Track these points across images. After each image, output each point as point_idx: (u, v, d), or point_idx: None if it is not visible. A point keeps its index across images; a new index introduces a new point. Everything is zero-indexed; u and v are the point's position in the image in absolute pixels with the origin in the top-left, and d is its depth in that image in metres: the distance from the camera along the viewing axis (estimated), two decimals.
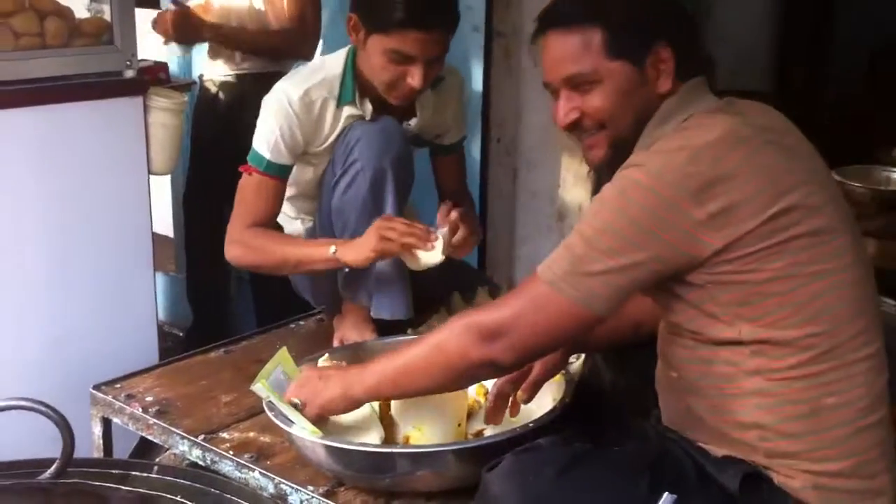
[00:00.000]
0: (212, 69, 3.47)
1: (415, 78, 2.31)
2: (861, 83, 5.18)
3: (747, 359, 1.61)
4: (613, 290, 1.59)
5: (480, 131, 3.25)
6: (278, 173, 2.42)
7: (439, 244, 2.31)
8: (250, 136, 2.45)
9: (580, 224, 1.64)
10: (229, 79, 3.42)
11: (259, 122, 2.43)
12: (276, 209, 2.47)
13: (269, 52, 3.34)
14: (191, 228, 3.71)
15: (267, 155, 2.39)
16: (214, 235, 3.43)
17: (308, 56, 3.29)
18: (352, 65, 2.44)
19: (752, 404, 1.62)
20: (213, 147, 3.43)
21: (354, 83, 2.42)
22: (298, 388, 1.91)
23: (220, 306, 3.73)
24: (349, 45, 2.45)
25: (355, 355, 2.18)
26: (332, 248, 2.34)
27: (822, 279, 1.58)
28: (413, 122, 2.51)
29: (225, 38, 3.36)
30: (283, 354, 2.05)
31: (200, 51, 3.82)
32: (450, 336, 1.70)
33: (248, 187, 2.44)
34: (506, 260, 3.30)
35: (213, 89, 3.47)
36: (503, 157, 3.25)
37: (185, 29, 3.33)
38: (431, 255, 2.32)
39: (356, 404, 1.87)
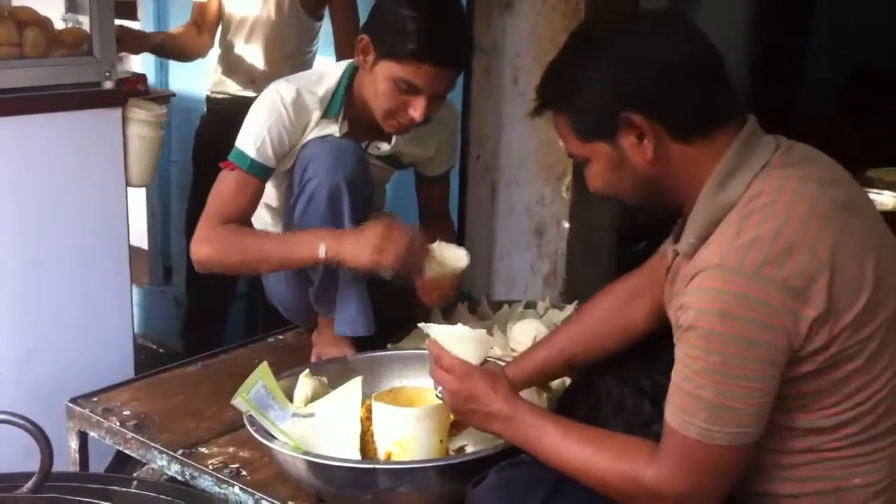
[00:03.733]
0: (219, 87, 3.46)
1: (417, 110, 2.30)
2: (836, 102, 5.23)
3: (790, 440, 1.58)
4: (759, 415, 1.51)
5: (460, 148, 3.26)
6: (260, 174, 2.38)
7: (462, 253, 2.35)
8: None
9: (691, 360, 1.51)
10: (238, 98, 3.39)
11: (247, 120, 2.40)
12: (252, 210, 2.42)
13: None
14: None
15: (251, 154, 2.35)
16: None
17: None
18: (347, 82, 2.42)
19: (777, 475, 1.60)
20: (217, 164, 3.41)
21: (343, 100, 2.41)
22: (462, 380, 1.80)
23: (218, 322, 3.68)
24: (350, 60, 2.44)
25: (336, 371, 2.18)
26: (323, 247, 2.25)
27: (887, 372, 1.55)
28: (384, 146, 2.50)
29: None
30: (263, 369, 2.03)
31: (178, 64, 3.83)
32: (623, 487, 1.59)
33: (227, 184, 2.37)
34: (484, 275, 3.29)
35: (221, 107, 3.44)
36: (482, 174, 3.25)
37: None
38: (458, 259, 2.33)
39: (500, 436, 1.78)
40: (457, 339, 1.87)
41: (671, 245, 1.73)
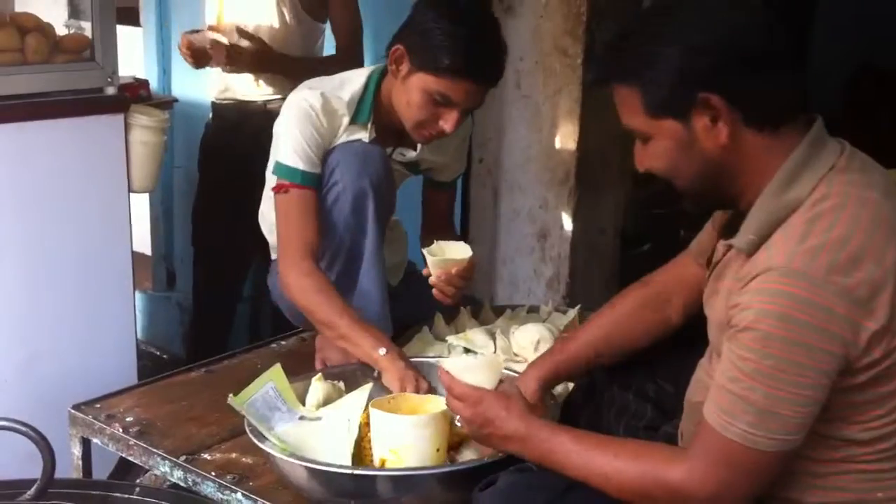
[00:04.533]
0: (225, 93, 3.45)
1: (448, 123, 2.30)
2: (838, 105, 5.22)
3: (826, 450, 1.56)
4: (805, 423, 1.48)
5: None
6: (314, 183, 2.35)
7: (464, 245, 2.35)
8: (260, 160, 2.43)
9: (742, 361, 1.48)
10: (244, 103, 3.38)
11: (280, 134, 2.37)
12: (320, 222, 2.38)
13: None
14: (200, 250, 3.66)
15: (300, 166, 2.33)
16: (224, 256, 3.42)
17: None
18: (375, 88, 2.42)
19: (804, 482, 1.58)
20: (224, 170, 3.41)
21: (372, 106, 2.41)
22: (475, 405, 1.78)
23: (225, 324, 3.68)
24: (374, 66, 2.44)
25: (349, 377, 2.18)
26: (382, 351, 2.18)
27: None
28: (409, 153, 2.50)
29: (285, 69, 3.29)
30: (276, 370, 2.04)
31: (180, 70, 3.83)
32: (650, 490, 1.56)
33: (290, 206, 2.34)
34: (487, 279, 3.29)
35: (227, 113, 3.44)
36: (485, 177, 3.25)
37: (244, 62, 3.28)
38: (462, 251, 2.35)
39: (519, 454, 1.75)
40: (465, 368, 1.88)
41: (722, 240, 1.68)
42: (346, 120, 2.39)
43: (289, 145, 2.35)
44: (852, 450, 1.55)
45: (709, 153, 1.58)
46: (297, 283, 2.32)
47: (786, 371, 1.45)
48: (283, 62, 3.30)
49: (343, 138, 2.40)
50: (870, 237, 1.46)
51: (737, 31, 1.56)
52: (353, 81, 2.43)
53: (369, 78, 2.43)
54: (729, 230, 1.66)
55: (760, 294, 1.47)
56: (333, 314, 2.28)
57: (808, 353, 1.44)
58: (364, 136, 2.40)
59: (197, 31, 3.35)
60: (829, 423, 1.53)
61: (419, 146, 2.48)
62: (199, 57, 3.27)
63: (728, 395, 1.49)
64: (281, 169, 2.35)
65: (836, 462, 1.56)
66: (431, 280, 2.37)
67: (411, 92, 2.30)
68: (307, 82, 2.47)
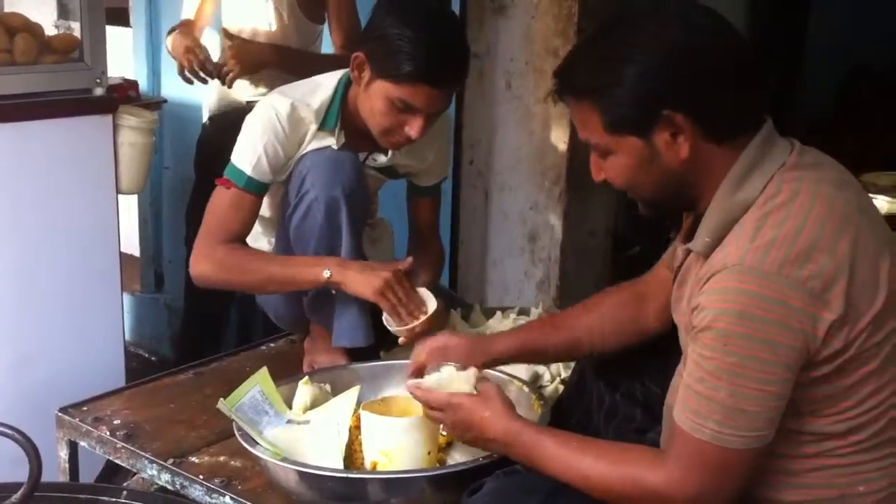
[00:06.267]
0: (222, 94, 3.42)
1: (413, 129, 2.27)
2: (832, 107, 5.23)
3: (799, 446, 1.56)
4: (772, 419, 1.50)
5: (453, 153, 3.25)
6: (257, 190, 2.37)
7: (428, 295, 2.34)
8: None
9: (706, 360, 1.49)
10: (240, 104, 3.34)
11: (242, 136, 2.38)
12: (250, 226, 2.42)
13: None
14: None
15: (248, 171, 2.34)
16: None
17: None
18: (342, 94, 2.40)
19: (782, 481, 1.58)
20: (219, 172, 3.39)
21: (339, 113, 2.39)
22: (455, 412, 1.77)
23: (216, 326, 3.66)
24: (344, 71, 2.41)
25: (341, 378, 2.17)
26: (327, 273, 2.27)
27: None
28: (381, 158, 2.48)
29: (290, 65, 3.21)
30: (262, 374, 2.03)
31: (170, 71, 3.80)
32: (630, 493, 1.56)
33: (223, 201, 2.38)
34: (478, 282, 3.29)
35: (224, 114, 3.41)
36: (475, 179, 3.25)
37: (250, 60, 3.20)
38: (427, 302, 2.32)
39: (501, 454, 1.76)
40: (437, 385, 1.85)
41: (681, 245, 1.70)
42: (313, 127, 2.37)
43: (245, 149, 2.36)
44: (826, 444, 1.55)
45: (669, 167, 1.58)
46: (212, 265, 2.35)
47: (748, 367, 1.46)
48: (282, 55, 3.26)
49: (312, 145, 2.38)
50: (821, 229, 1.47)
51: (700, 47, 1.54)
52: (324, 86, 2.42)
53: (338, 82, 2.41)
54: (690, 235, 1.66)
55: (717, 293, 1.49)
56: (263, 268, 2.34)
57: (769, 348, 1.45)
58: (332, 142, 2.39)
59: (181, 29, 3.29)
60: (800, 417, 1.54)
61: (390, 151, 2.45)
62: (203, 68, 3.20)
63: (695, 396, 1.50)
64: (231, 168, 2.37)
65: (811, 458, 1.56)
66: (401, 341, 2.33)
67: (374, 99, 2.28)
68: (282, 88, 2.47)
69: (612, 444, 1.69)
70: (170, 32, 3.35)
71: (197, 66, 3.10)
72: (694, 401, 1.51)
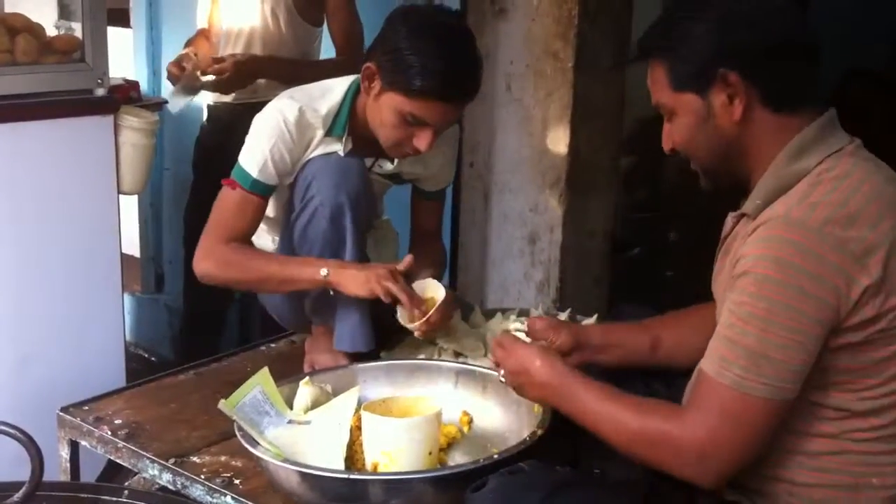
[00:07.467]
0: (221, 96, 3.43)
1: (423, 143, 2.27)
2: (831, 104, 5.22)
3: (819, 423, 1.58)
4: (797, 373, 1.52)
5: None
6: (262, 192, 2.38)
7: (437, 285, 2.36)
8: None
9: (738, 306, 1.54)
10: (239, 106, 3.35)
11: (250, 138, 2.38)
12: (255, 227, 2.43)
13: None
14: (192, 252, 3.64)
15: (254, 173, 2.35)
16: None
17: None
18: (351, 100, 2.39)
19: (797, 461, 1.60)
20: (219, 171, 3.39)
21: (347, 120, 2.39)
22: (513, 354, 1.87)
23: (216, 326, 3.67)
24: (353, 77, 2.41)
25: (337, 380, 2.17)
26: (324, 272, 2.28)
27: None
28: (387, 165, 2.48)
29: (284, 75, 3.22)
30: (263, 374, 2.03)
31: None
32: (647, 439, 1.61)
33: (229, 202, 2.38)
34: (478, 283, 3.29)
35: (222, 115, 3.42)
36: (476, 181, 3.25)
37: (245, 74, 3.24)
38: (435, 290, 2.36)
39: (548, 402, 1.86)
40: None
41: (731, 213, 1.75)
42: (320, 133, 2.37)
43: (253, 151, 2.36)
44: (847, 423, 1.57)
45: (723, 129, 1.66)
46: (214, 263, 2.38)
47: (778, 314, 1.49)
48: (278, 66, 3.27)
49: (318, 150, 2.38)
50: (867, 204, 1.53)
51: (764, 16, 1.64)
52: (333, 92, 2.41)
53: (348, 89, 2.41)
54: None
55: (760, 241, 1.54)
56: (263, 266, 2.36)
57: (801, 296, 1.49)
58: (339, 148, 2.39)
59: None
60: (824, 390, 1.56)
61: (395, 159, 2.46)
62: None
63: (723, 341, 1.54)
64: (237, 169, 2.38)
65: (830, 438, 1.58)
66: (417, 334, 2.34)
67: (383, 111, 2.27)
68: (290, 90, 2.46)
69: (640, 397, 1.72)
70: (187, 44, 3.36)
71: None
72: (721, 345, 1.55)
